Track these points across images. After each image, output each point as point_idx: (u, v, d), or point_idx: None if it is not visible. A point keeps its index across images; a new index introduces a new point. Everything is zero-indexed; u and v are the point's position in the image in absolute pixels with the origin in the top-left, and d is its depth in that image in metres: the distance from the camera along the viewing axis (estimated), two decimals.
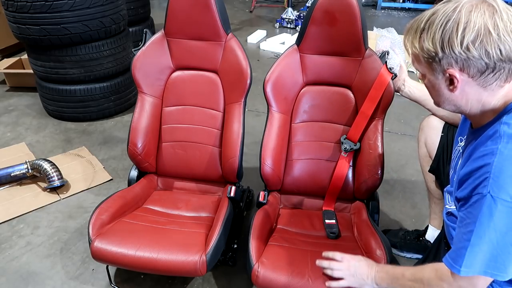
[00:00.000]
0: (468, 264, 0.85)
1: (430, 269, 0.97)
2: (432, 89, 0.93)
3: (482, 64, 0.81)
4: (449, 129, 1.45)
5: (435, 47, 0.83)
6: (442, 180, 1.48)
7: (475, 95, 0.87)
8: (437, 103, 0.96)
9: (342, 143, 1.60)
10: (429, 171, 1.52)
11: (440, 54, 0.83)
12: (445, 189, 1.23)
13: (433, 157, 1.49)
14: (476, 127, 0.96)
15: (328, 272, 1.19)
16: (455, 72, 0.84)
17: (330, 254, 1.22)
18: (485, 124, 0.91)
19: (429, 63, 0.87)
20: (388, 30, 1.49)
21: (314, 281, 1.21)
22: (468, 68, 0.83)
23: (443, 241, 1.19)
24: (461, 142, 1.11)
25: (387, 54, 1.48)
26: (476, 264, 0.85)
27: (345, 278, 1.16)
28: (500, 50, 0.79)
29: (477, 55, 0.80)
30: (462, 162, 0.97)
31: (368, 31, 1.56)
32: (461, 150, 1.08)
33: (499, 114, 0.88)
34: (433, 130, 1.49)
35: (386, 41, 1.49)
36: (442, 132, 1.46)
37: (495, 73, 0.82)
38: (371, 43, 1.55)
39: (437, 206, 1.60)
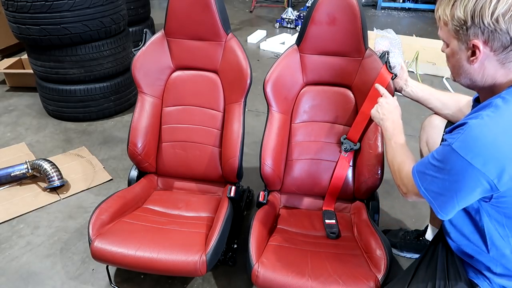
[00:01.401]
0: (423, 186, 0.97)
1: (406, 166, 1.10)
2: (452, 58, 0.95)
3: (507, 39, 0.84)
4: None
5: (465, 16, 0.85)
6: None
7: (491, 71, 0.90)
8: (454, 75, 0.99)
9: (342, 143, 1.60)
10: None
11: (469, 23, 0.85)
12: None
13: None
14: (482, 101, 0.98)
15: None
16: (479, 43, 0.86)
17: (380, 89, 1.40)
18: (488, 98, 0.93)
19: (456, 32, 0.90)
20: (388, 31, 1.49)
21: (314, 280, 1.21)
22: (493, 41, 0.85)
23: (440, 240, 1.19)
24: None
25: (388, 54, 1.48)
26: (428, 191, 0.96)
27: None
28: None
29: (505, 28, 0.82)
30: None
31: (368, 31, 1.56)
32: None
33: (503, 90, 0.90)
34: (435, 129, 1.49)
35: (385, 41, 1.49)
36: (443, 132, 1.46)
37: None
38: (371, 43, 1.55)
39: None
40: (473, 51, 0.88)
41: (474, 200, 0.92)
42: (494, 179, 0.85)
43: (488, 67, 0.90)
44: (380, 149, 1.53)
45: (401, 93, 1.50)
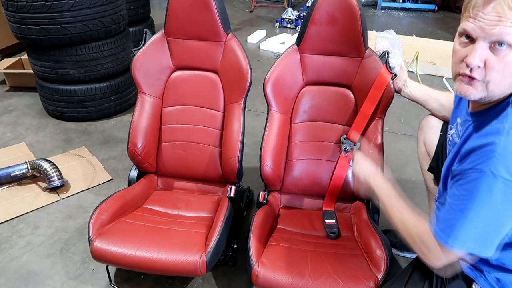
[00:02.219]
0: (459, 238, 0.86)
1: (419, 228, 0.97)
2: (505, 66, 0.82)
3: None
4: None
5: None
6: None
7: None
8: (499, 87, 0.85)
9: (342, 143, 1.60)
10: (428, 170, 1.53)
11: None
12: None
13: (431, 156, 1.49)
14: (478, 109, 0.94)
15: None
16: None
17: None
18: (491, 106, 0.90)
19: None
20: (388, 32, 1.50)
21: (314, 281, 1.21)
22: None
23: None
24: (450, 130, 1.11)
25: (388, 54, 1.48)
26: (467, 238, 0.85)
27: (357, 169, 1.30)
28: None
29: None
30: (461, 142, 0.96)
31: (368, 32, 1.56)
32: (453, 136, 1.09)
33: (509, 95, 0.87)
34: (432, 129, 1.49)
35: (385, 42, 1.50)
36: (440, 132, 1.46)
37: None
38: (371, 43, 1.55)
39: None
40: None
41: None
42: None
43: None
44: (379, 149, 1.53)
45: (400, 93, 1.50)
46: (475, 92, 0.86)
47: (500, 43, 0.80)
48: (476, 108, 0.96)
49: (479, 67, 0.83)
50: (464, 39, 0.86)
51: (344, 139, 1.60)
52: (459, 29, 0.87)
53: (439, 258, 0.92)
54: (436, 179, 1.55)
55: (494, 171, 0.79)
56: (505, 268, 0.99)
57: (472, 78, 0.85)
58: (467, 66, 0.84)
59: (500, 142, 0.80)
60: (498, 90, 0.85)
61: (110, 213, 1.48)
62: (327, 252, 1.38)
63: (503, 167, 0.79)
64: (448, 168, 0.99)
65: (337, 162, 1.63)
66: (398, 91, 1.49)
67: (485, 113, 0.90)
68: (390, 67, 1.46)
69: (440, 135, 1.46)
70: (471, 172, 0.84)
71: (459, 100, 1.13)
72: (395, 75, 1.46)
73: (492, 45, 0.81)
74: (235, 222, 1.69)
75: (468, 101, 1.01)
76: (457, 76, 0.89)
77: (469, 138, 0.92)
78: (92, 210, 1.48)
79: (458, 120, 1.08)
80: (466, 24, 0.83)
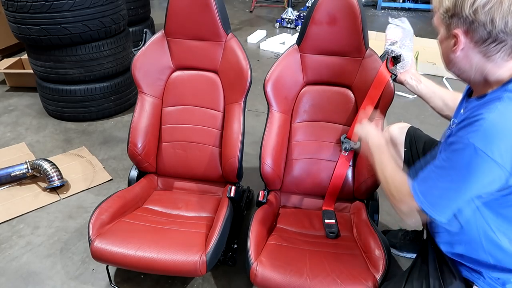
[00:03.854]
0: (424, 192, 0.94)
1: (398, 176, 1.06)
2: (441, 46, 0.97)
3: (485, 32, 0.84)
4: (412, 143, 1.45)
5: (450, 4, 0.87)
6: None
7: (478, 63, 0.90)
8: (444, 63, 1.00)
9: (342, 142, 1.60)
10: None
11: (452, 11, 0.87)
12: None
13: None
14: (477, 95, 0.97)
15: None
16: (459, 33, 0.88)
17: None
18: (488, 93, 0.93)
19: (443, 19, 0.91)
20: (402, 20, 1.42)
21: (312, 280, 1.21)
22: (473, 32, 0.86)
23: (428, 238, 1.19)
24: (453, 125, 1.11)
25: (388, 55, 1.44)
26: (430, 195, 0.93)
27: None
28: (506, 22, 0.81)
29: (483, 20, 0.83)
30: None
31: (368, 32, 1.56)
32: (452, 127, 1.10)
33: (504, 83, 0.89)
34: (395, 147, 1.50)
35: (398, 31, 1.41)
36: (404, 147, 1.45)
37: (497, 44, 0.85)
38: (371, 43, 1.54)
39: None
40: (455, 40, 0.90)
41: (477, 195, 0.91)
42: (510, 170, 0.83)
43: (474, 59, 0.90)
44: None
45: (404, 85, 1.43)
46: None
47: None
48: (476, 94, 1.00)
49: None
50: None
51: (344, 138, 1.60)
52: None
53: (402, 202, 1.02)
54: None
55: (476, 145, 0.83)
56: (504, 267, 0.99)
57: None
58: None
59: (489, 117, 0.84)
60: (448, 68, 0.99)
61: (110, 213, 1.48)
62: (326, 251, 1.38)
63: (486, 143, 0.83)
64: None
65: (337, 161, 1.63)
66: (402, 83, 1.43)
67: (483, 98, 0.93)
68: (396, 57, 1.40)
69: (405, 151, 1.45)
70: (459, 142, 0.88)
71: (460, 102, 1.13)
72: (395, 75, 1.44)
73: None
74: (235, 222, 1.69)
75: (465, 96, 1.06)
76: None
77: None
78: (92, 210, 1.48)
79: (455, 120, 1.08)
80: None
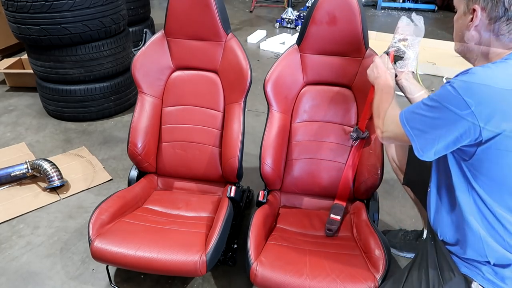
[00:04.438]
0: (408, 119, 1.01)
1: (391, 109, 1.16)
2: (457, 23, 1.04)
3: (502, 9, 0.91)
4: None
5: None
6: (417, 191, 1.49)
7: (487, 41, 0.97)
8: (455, 40, 1.07)
9: (353, 131, 1.57)
10: (403, 184, 1.52)
11: None
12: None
13: (403, 171, 1.49)
14: None
15: None
16: (478, 8, 0.94)
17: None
18: None
19: None
20: (418, 19, 1.36)
21: (312, 280, 1.21)
22: (490, 9, 0.93)
23: (429, 236, 1.19)
24: None
25: (388, 54, 1.42)
26: (412, 121, 1.00)
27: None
28: None
29: None
30: None
31: (368, 32, 1.56)
32: None
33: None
34: (392, 145, 1.50)
35: (410, 28, 1.36)
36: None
37: (509, 23, 0.92)
38: (371, 43, 1.54)
39: (423, 210, 1.59)
40: (472, 16, 0.96)
41: (455, 144, 0.94)
42: (481, 123, 0.87)
43: (485, 37, 0.97)
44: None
45: (397, 83, 1.39)
46: None
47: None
48: None
49: None
50: None
51: (356, 129, 1.57)
52: None
53: (388, 131, 1.13)
54: (413, 191, 1.54)
55: (454, 85, 0.90)
56: (501, 264, 0.99)
57: None
58: None
59: (476, 68, 0.92)
60: (457, 46, 1.07)
61: (110, 213, 1.48)
62: (326, 251, 1.38)
63: (462, 84, 0.89)
64: None
65: (350, 150, 1.61)
66: (397, 81, 1.38)
67: None
68: (399, 56, 1.37)
69: (409, 146, 1.44)
70: (447, 83, 0.94)
71: None
72: (395, 75, 1.42)
73: None
74: (235, 222, 1.69)
75: None
76: None
77: None
78: (92, 210, 1.48)
79: None
80: None
